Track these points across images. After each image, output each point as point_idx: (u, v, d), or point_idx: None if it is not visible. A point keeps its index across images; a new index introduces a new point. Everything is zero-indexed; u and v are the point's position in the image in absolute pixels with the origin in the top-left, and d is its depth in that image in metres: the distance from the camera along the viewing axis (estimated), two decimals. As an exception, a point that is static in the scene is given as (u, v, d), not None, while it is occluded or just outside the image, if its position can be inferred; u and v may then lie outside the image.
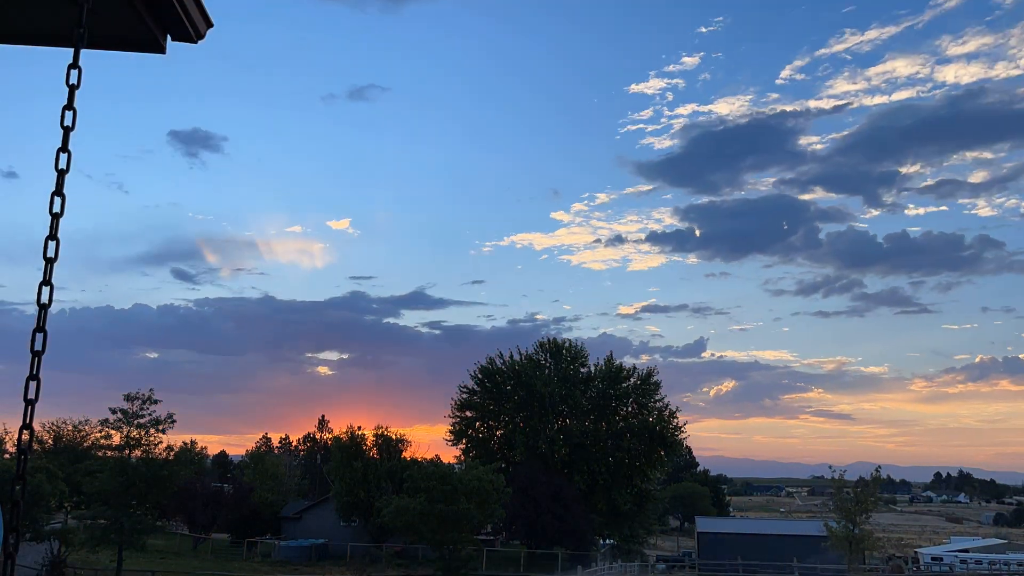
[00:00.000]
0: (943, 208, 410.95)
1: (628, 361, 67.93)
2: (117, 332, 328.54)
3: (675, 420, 64.24)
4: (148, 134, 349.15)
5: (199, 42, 3.05)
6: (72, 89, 2.64)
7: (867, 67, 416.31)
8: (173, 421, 42.10)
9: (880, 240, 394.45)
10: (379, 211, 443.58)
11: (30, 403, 2.49)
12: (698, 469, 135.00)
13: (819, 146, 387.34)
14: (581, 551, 53.26)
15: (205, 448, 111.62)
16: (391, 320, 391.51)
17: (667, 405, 65.11)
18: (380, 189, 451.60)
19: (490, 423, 66.18)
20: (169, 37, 2.99)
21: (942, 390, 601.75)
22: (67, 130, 2.63)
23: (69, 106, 2.64)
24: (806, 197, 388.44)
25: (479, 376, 66.81)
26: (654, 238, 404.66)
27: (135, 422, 40.91)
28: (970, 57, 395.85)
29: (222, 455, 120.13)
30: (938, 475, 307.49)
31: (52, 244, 2.57)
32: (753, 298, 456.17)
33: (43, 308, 2.55)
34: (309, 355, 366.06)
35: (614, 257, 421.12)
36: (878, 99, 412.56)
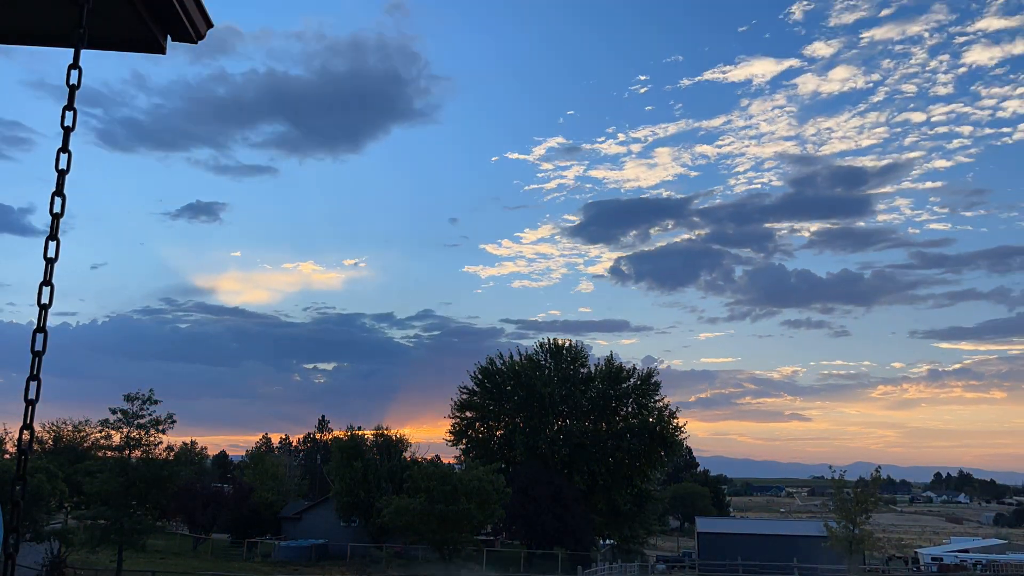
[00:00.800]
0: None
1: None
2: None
3: (675, 420, 64.26)
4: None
5: (199, 42, 3.05)
6: (72, 89, 2.64)
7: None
8: (173, 421, 42.08)
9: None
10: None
11: (30, 403, 2.49)
12: (698, 469, 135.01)
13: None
14: (581, 551, 53.24)
15: (205, 448, 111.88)
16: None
17: (667, 405, 65.16)
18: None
19: (490, 423, 66.17)
20: (169, 37, 2.98)
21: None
22: (67, 130, 2.63)
23: (69, 106, 2.64)
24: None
25: (479, 376, 66.79)
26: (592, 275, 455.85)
27: (135, 422, 40.88)
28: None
29: (222, 455, 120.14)
30: (938, 475, 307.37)
31: (52, 244, 2.57)
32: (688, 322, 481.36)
33: (43, 308, 2.55)
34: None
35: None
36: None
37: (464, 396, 67.08)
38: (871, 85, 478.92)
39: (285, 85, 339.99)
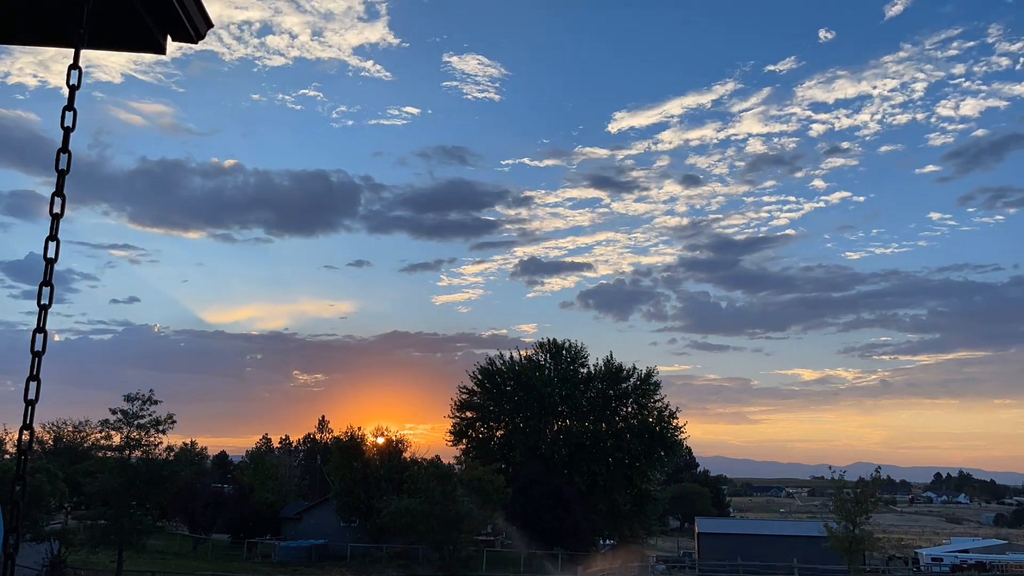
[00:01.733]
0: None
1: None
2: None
3: (675, 420, 64.24)
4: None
5: (199, 42, 3.05)
6: (72, 89, 2.64)
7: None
8: (173, 422, 42.11)
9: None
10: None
11: (30, 404, 2.49)
12: (698, 470, 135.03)
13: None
14: (581, 552, 53.24)
15: (205, 449, 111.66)
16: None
17: (667, 406, 65.13)
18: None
19: (490, 424, 66.15)
20: (169, 38, 2.98)
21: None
22: (67, 131, 2.63)
23: (69, 106, 2.64)
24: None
25: (479, 377, 66.78)
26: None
27: (135, 423, 40.90)
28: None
29: (222, 455, 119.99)
30: (938, 476, 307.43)
31: (52, 245, 2.57)
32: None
33: (43, 309, 2.55)
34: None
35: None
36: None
37: (464, 396, 67.08)
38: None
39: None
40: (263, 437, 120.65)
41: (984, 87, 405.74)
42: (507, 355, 67.44)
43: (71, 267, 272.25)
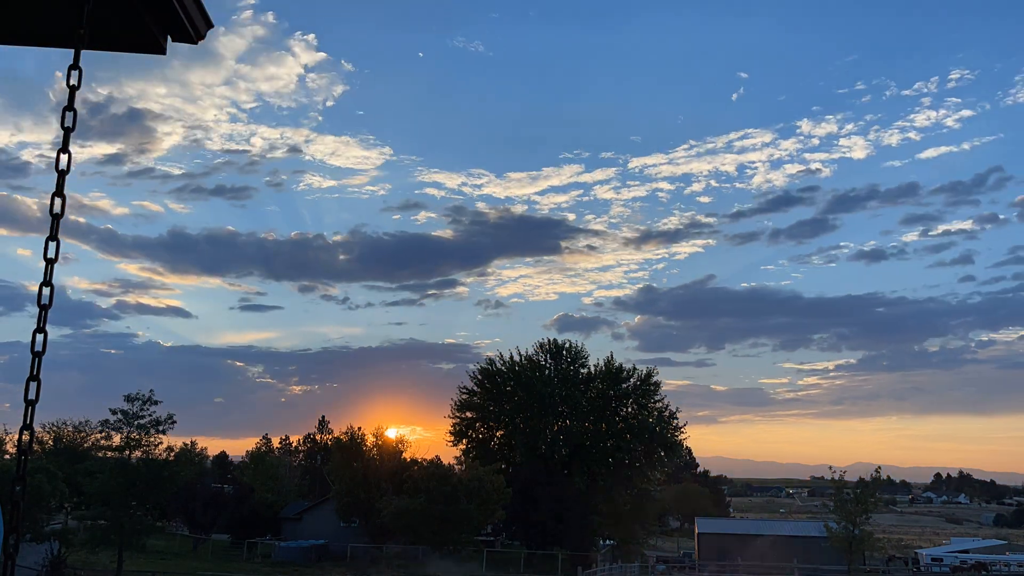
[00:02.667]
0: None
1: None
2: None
3: (675, 421, 64.24)
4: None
5: (199, 43, 3.05)
6: (72, 90, 2.64)
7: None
8: (173, 422, 42.11)
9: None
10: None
11: (31, 404, 2.49)
12: (698, 470, 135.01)
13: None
14: (581, 552, 53.26)
15: (205, 449, 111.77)
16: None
17: (667, 406, 65.12)
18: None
19: (490, 424, 66.13)
20: (169, 38, 2.99)
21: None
22: (67, 131, 2.63)
23: (70, 107, 2.64)
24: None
25: (479, 377, 66.77)
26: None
27: (135, 423, 40.91)
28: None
29: (222, 456, 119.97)
30: (938, 476, 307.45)
31: (52, 245, 2.57)
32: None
33: (43, 309, 2.55)
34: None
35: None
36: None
37: (464, 397, 67.06)
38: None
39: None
40: (263, 437, 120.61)
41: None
42: (507, 355, 67.50)
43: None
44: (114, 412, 41.01)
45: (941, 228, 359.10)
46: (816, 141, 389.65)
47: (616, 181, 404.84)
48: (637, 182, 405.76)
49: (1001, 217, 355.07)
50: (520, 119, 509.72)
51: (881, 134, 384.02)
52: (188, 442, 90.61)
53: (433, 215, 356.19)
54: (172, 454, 44.27)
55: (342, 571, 51.08)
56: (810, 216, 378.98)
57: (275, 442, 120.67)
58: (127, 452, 41.48)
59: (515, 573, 51.28)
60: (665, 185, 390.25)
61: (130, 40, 2.97)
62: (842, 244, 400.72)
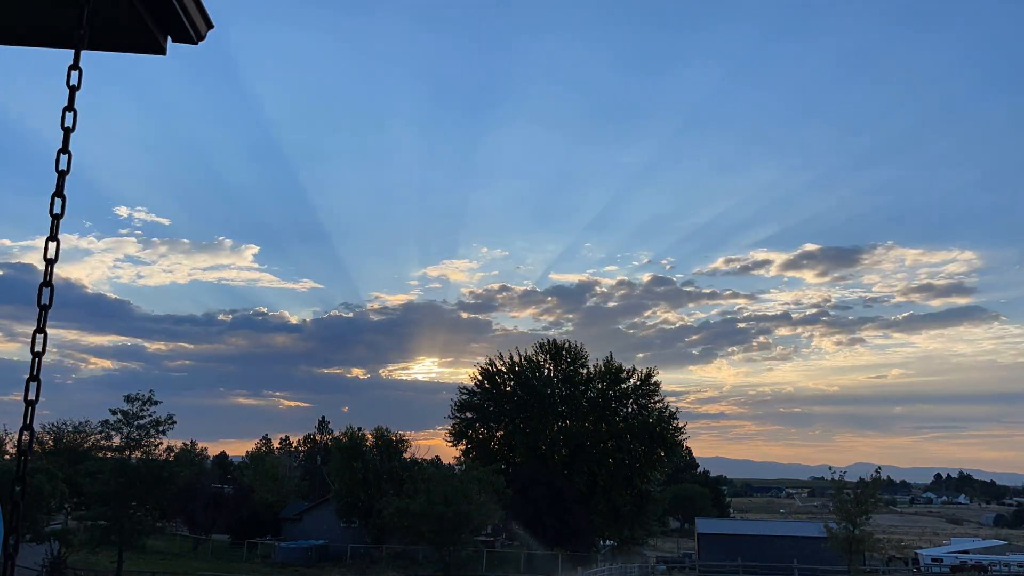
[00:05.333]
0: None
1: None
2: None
3: (675, 421, 64.17)
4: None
5: (199, 43, 3.05)
6: (72, 90, 2.65)
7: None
8: (173, 422, 42.09)
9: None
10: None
11: (31, 404, 2.49)
12: (698, 470, 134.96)
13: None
14: (581, 552, 53.24)
15: (205, 449, 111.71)
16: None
17: (667, 406, 65.06)
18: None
19: (490, 424, 66.10)
20: (169, 38, 2.99)
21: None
22: (67, 131, 2.64)
23: (70, 107, 2.64)
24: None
25: (479, 377, 66.76)
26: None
27: (135, 423, 40.89)
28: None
29: (222, 456, 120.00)
30: (938, 476, 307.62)
31: (52, 245, 2.57)
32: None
33: (43, 309, 2.55)
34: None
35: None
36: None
37: (464, 397, 67.04)
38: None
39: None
40: (263, 438, 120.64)
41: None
42: (507, 355, 67.48)
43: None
44: (114, 412, 40.99)
45: None
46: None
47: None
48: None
49: None
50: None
51: None
52: (188, 442, 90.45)
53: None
54: (172, 454, 44.24)
55: (342, 571, 51.08)
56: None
57: (275, 442, 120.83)
58: (127, 452, 41.46)
59: (515, 573, 51.27)
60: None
61: (130, 40, 2.98)
62: None
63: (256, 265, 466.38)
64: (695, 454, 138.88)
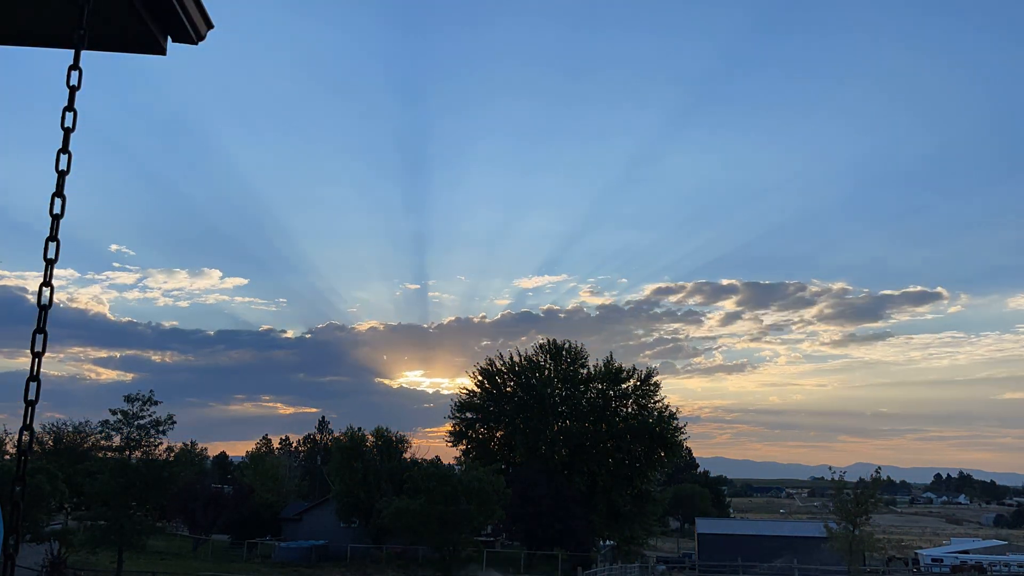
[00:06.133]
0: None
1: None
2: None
3: (675, 421, 64.14)
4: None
5: (199, 43, 3.05)
6: (72, 91, 2.65)
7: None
8: (173, 423, 42.10)
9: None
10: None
11: (30, 404, 2.49)
12: (698, 470, 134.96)
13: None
14: (581, 552, 53.23)
15: (205, 449, 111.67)
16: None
17: (667, 406, 65.02)
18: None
19: (490, 424, 66.07)
20: (170, 39, 2.99)
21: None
22: (67, 131, 2.64)
23: (70, 107, 2.64)
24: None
25: (479, 378, 66.73)
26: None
27: (135, 423, 40.89)
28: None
29: (222, 456, 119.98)
30: (938, 476, 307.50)
31: (52, 245, 2.57)
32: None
33: (43, 309, 2.55)
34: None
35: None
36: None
37: (464, 397, 67.02)
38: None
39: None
40: (263, 438, 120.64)
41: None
42: (507, 356, 67.47)
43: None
44: (114, 412, 41.01)
45: None
46: None
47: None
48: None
49: None
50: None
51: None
52: (188, 442, 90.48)
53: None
54: (172, 454, 44.24)
55: (342, 571, 51.08)
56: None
57: (275, 442, 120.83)
58: (127, 452, 41.46)
59: (515, 573, 51.26)
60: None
61: (130, 41, 2.98)
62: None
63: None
64: (695, 454, 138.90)
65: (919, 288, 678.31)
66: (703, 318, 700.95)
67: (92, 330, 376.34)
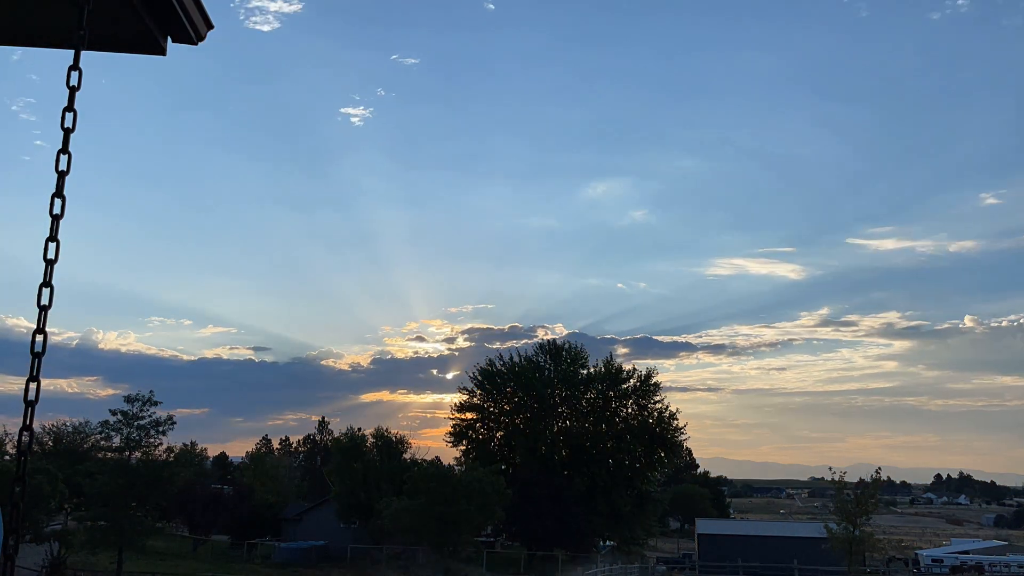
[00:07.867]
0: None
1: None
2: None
3: (675, 421, 64.18)
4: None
5: (199, 44, 3.05)
6: (72, 91, 2.65)
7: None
8: (173, 423, 42.11)
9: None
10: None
11: (30, 404, 2.49)
12: (698, 471, 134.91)
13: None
14: (581, 553, 53.24)
15: (205, 450, 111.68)
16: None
17: (667, 407, 65.06)
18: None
19: (490, 425, 66.10)
20: (169, 39, 2.99)
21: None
22: (67, 132, 2.64)
23: (69, 108, 2.64)
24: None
25: (479, 378, 66.74)
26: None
27: (135, 424, 40.89)
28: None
29: (222, 456, 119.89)
30: (938, 477, 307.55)
31: (52, 246, 2.57)
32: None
33: (43, 310, 2.55)
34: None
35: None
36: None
37: (464, 397, 67.08)
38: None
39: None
40: (263, 439, 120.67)
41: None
42: (507, 356, 67.51)
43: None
44: (114, 413, 41.02)
45: None
46: None
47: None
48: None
49: None
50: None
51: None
52: (188, 443, 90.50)
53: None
54: (172, 455, 44.25)
55: (342, 572, 51.11)
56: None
57: (275, 443, 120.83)
58: (127, 453, 41.46)
59: (515, 574, 51.28)
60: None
61: (130, 41, 2.98)
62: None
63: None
64: (695, 455, 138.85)
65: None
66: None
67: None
